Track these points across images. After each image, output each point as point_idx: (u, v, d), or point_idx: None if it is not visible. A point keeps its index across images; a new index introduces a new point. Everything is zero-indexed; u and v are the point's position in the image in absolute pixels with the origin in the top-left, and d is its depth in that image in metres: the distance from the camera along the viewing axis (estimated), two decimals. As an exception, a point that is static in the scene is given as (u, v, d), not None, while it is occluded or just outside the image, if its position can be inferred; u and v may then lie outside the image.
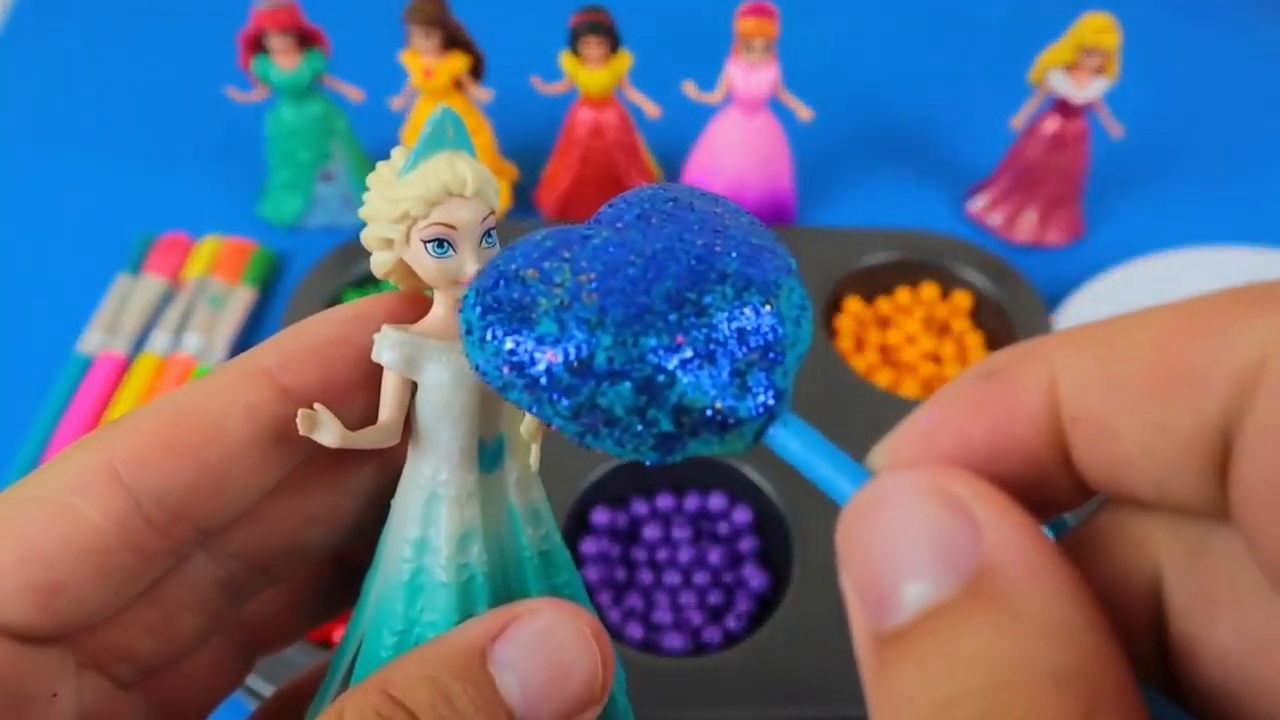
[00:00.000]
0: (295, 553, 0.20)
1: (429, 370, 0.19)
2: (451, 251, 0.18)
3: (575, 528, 0.46)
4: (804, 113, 0.59)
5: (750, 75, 0.57)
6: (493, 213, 0.19)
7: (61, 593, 0.17)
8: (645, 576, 0.46)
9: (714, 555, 0.46)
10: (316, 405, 0.18)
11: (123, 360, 0.55)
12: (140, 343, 0.57)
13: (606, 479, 0.47)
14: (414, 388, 0.19)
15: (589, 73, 0.57)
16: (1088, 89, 0.58)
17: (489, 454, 0.19)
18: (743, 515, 0.47)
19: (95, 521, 0.17)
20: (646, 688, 0.40)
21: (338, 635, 0.40)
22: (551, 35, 0.61)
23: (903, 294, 0.57)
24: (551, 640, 0.18)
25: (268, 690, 0.39)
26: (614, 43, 0.56)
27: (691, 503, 0.48)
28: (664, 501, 0.47)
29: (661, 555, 0.46)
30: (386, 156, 0.19)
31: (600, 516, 0.46)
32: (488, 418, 0.19)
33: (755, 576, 0.45)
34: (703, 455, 0.17)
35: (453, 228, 0.18)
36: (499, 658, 0.17)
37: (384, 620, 0.20)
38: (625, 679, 0.22)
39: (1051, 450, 0.14)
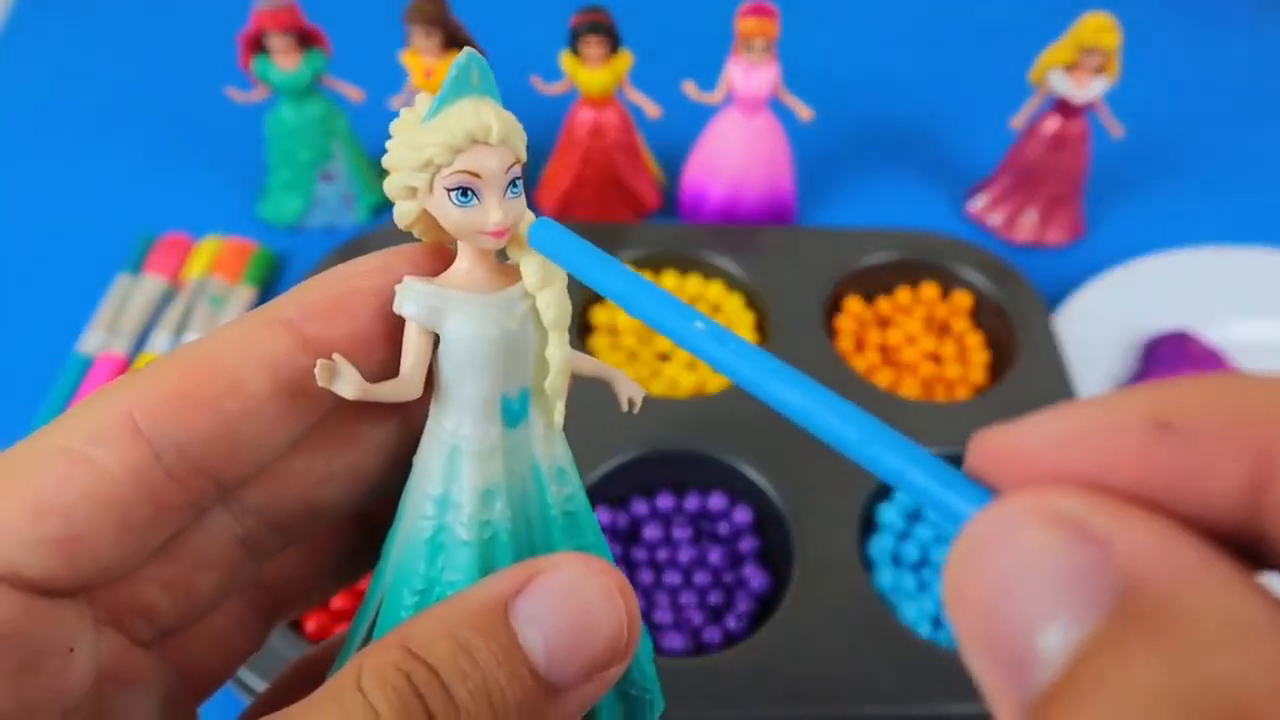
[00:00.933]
0: (314, 511, 0.20)
1: (452, 322, 0.18)
2: (476, 200, 0.18)
3: (575, 528, 0.46)
4: (804, 113, 0.59)
5: (750, 75, 0.57)
6: (519, 162, 0.18)
7: (79, 545, 0.17)
8: (645, 576, 0.46)
9: (714, 555, 0.46)
10: (335, 356, 0.18)
11: (123, 360, 0.55)
12: (140, 343, 0.57)
13: (606, 479, 0.47)
14: (436, 341, 0.19)
15: (589, 73, 0.57)
16: (1088, 89, 0.58)
17: (513, 409, 0.19)
18: (743, 515, 0.47)
19: (114, 473, 0.17)
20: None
21: (338, 630, 0.40)
22: (551, 35, 0.61)
23: (903, 294, 0.57)
24: (576, 595, 0.17)
25: (260, 685, 0.39)
26: (614, 43, 0.56)
27: (691, 503, 0.48)
28: (664, 501, 0.47)
29: (661, 555, 0.46)
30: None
31: (600, 516, 0.46)
32: (512, 372, 0.19)
33: (755, 576, 0.45)
34: None
35: (477, 176, 0.18)
36: (522, 612, 0.17)
37: (405, 579, 0.19)
38: (651, 647, 0.22)
39: (1234, 535, 0.12)
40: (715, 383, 0.52)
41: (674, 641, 0.43)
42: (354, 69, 0.61)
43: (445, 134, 0.17)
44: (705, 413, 0.49)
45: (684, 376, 0.52)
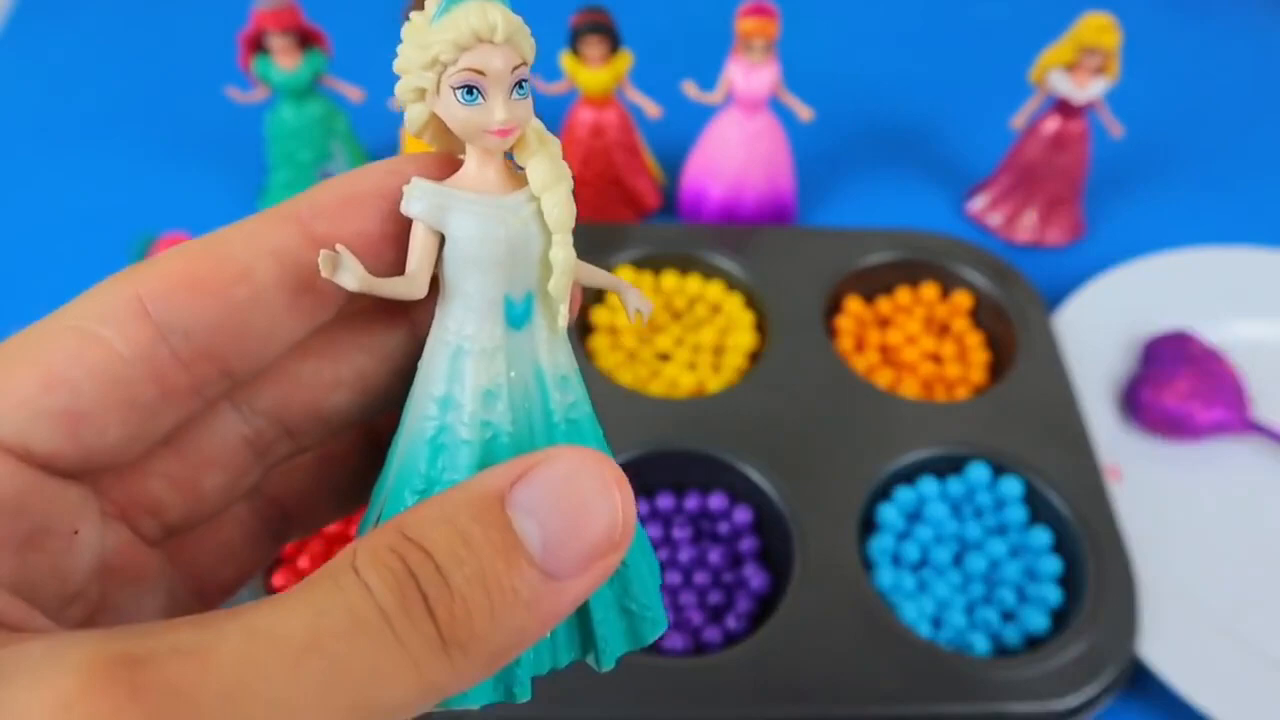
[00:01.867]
0: (322, 417, 0.20)
1: (456, 220, 0.19)
2: (481, 99, 0.18)
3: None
4: (804, 113, 0.59)
5: (750, 75, 0.57)
6: (525, 63, 0.18)
7: (86, 422, 0.17)
8: (645, 576, 0.46)
9: (714, 555, 0.46)
10: (338, 246, 0.18)
11: (123, 360, 0.55)
12: (140, 343, 0.57)
13: (606, 479, 0.46)
14: (443, 244, 0.19)
15: (589, 73, 0.57)
16: (1088, 89, 0.58)
17: (516, 311, 0.19)
18: (743, 515, 0.47)
19: (121, 352, 0.17)
20: (647, 688, 0.40)
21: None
22: (551, 35, 0.61)
23: (903, 294, 0.57)
24: (571, 486, 0.17)
25: None
26: (614, 43, 0.56)
27: (691, 503, 0.48)
28: (664, 501, 0.47)
29: (662, 555, 0.46)
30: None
31: (600, 516, 0.46)
32: (516, 273, 0.19)
33: (755, 576, 0.45)
34: None
35: (482, 74, 0.18)
36: (518, 502, 0.17)
37: (406, 481, 0.19)
38: (660, 570, 0.22)
39: None
40: (715, 383, 0.52)
41: (674, 641, 0.43)
42: (354, 69, 0.61)
43: (451, 32, 0.18)
44: (705, 413, 0.49)
45: (684, 376, 0.52)
